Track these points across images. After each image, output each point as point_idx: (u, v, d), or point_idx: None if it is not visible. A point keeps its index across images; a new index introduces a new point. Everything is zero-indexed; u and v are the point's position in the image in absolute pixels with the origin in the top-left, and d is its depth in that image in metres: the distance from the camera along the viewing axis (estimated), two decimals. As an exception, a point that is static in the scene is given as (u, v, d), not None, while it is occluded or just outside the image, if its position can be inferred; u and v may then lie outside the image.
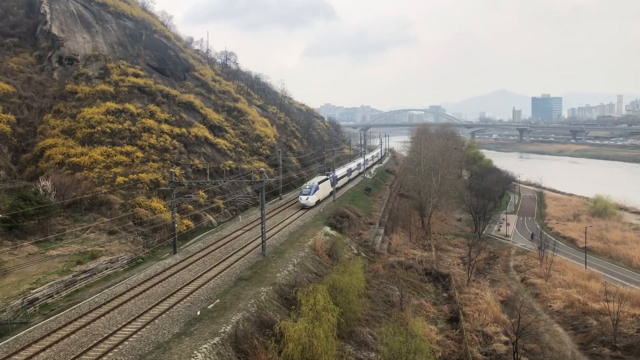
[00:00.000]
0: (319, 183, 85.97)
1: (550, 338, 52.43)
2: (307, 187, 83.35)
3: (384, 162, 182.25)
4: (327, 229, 69.40)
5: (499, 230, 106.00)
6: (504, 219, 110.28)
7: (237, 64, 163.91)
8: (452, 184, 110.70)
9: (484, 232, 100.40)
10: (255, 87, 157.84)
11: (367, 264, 63.14)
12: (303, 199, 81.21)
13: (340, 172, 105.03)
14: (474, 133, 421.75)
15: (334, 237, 66.91)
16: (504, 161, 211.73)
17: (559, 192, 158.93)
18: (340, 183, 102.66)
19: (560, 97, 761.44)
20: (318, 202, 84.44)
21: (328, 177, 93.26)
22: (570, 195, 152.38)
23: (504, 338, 49.85)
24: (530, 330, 47.61)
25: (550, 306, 61.95)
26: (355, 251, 67.19)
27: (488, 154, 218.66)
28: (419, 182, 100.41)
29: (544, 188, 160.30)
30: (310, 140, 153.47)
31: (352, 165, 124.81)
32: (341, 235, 69.59)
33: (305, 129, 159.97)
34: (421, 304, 56.52)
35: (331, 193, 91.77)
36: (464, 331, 49.91)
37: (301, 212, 79.33)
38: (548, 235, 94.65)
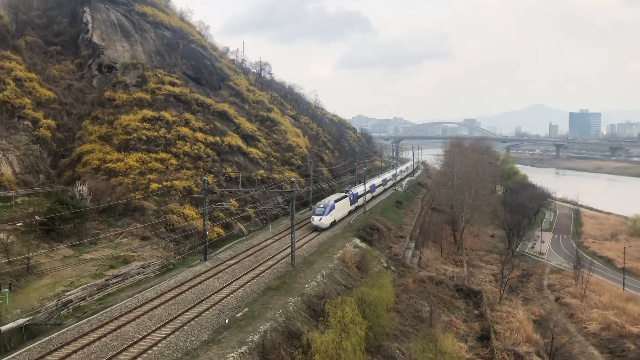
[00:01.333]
0: (336, 201, 76.95)
1: (585, 361, 50.86)
2: (322, 205, 73.87)
3: (416, 175, 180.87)
4: (357, 241, 69.02)
5: (533, 247, 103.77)
6: (538, 237, 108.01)
7: (271, 74, 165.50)
8: (485, 199, 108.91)
9: (517, 249, 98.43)
10: (289, 98, 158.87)
11: (396, 278, 62.45)
12: (316, 220, 71.69)
13: (361, 188, 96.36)
14: (509, 148, 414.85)
15: (363, 249, 66.49)
16: (540, 177, 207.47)
17: (596, 210, 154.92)
18: (364, 199, 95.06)
19: (599, 113, 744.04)
20: (334, 224, 75.89)
21: (347, 194, 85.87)
22: (608, 213, 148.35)
23: (536, 358, 48.61)
24: (564, 352, 46.28)
25: (586, 327, 60.15)
26: (385, 264, 66.58)
27: (523, 170, 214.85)
28: (452, 196, 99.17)
29: (581, 206, 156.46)
30: (342, 152, 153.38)
31: (378, 180, 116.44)
32: (371, 247, 69.14)
33: (336, 140, 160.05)
34: (451, 321, 55.55)
35: (350, 213, 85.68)
36: (495, 350, 48.78)
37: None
38: (584, 255, 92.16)
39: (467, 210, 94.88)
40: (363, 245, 68.56)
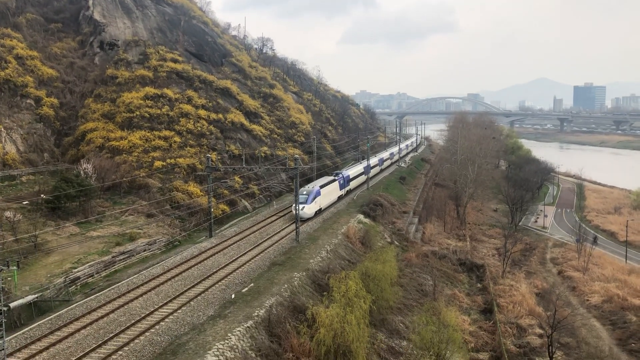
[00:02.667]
0: (322, 187, 68.52)
1: (587, 333, 51.38)
2: (304, 192, 64.06)
3: (420, 150, 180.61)
4: (361, 217, 69.35)
5: (536, 221, 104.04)
6: (541, 211, 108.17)
7: (273, 50, 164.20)
8: (489, 173, 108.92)
9: (520, 224, 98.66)
10: (291, 74, 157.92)
11: (400, 253, 62.92)
12: (298, 209, 59.78)
13: (356, 169, 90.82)
14: (513, 122, 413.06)
15: (367, 225, 66.85)
16: (543, 151, 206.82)
17: (599, 184, 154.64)
18: (359, 181, 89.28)
19: (603, 86, 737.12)
20: (319, 212, 67.69)
21: (336, 178, 77.27)
22: (612, 187, 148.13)
23: (538, 331, 49.11)
24: (566, 324, 46.68)
25: (588, 300, 60.65)
26: (389, 239, 67.01)
27: (527, 144, 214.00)
28: (455, 172, 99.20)
29: (584, 180, 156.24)
30: (345, 128, 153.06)
31: (374, 160, 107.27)
32: (374, 223, 69.49)
33: (340, 116, 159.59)
34: (454, 294, 56.10)
35: (340, 198, 78.23)
36: (498, 323, 49.36)
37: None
38: (587, 228, 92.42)
39: (471, 185, 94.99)
40: (367, 220, 68.90)
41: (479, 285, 61.74)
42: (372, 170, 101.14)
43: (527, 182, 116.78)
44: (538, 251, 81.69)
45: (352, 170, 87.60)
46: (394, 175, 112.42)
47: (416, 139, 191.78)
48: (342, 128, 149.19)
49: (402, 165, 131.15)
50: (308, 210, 63.12)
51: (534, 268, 72.93)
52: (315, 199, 64.65)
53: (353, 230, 60.60)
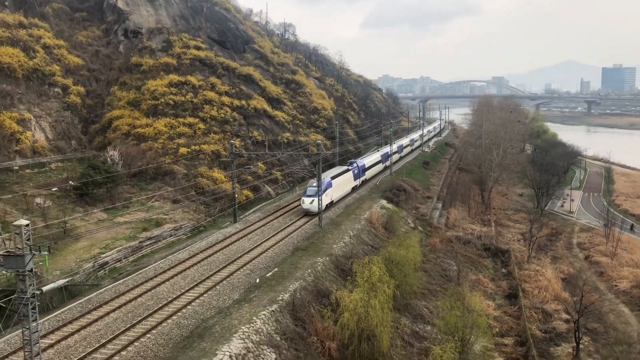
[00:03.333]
0: (333, 178, 63.58)
1: (615, 318, 50.71)
2: (314, 184, 58.51)
3: (443, 135, 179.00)
4: (384, 202, 69.23)
5: (562, 206, 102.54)
6: (568, 195, 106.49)
7: (295, 35, 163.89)
8: (514, 158, 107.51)
9: (546, 208, 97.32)
10: (313, 59, 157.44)
11: (424, 238, 62.78)
12: (306, 203, 57.86)
13: (373, 157, 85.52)
14: (539, 105, 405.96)
15: (390, 210, 66.74)
16: (570, 135, 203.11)
17: (628, 167, 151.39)
18: (376, 170, 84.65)
19: (633, 68, 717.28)
20: (331, 205, 63.29)
21: (350, 168, 71.93)
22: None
23: (564, 316, 48.64)
24: (594, 310, 46.10)
25: (616, 286, 59.70)
26: (412, 225, 66.85)
27: (553, 127, 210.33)
28: (480, 156, 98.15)
29: (612, 163, 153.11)
30: (368, 113, 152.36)
31: (395, 146, 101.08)
32: (398, 208, 69.33)
33: (362, 101, 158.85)
34: (479, 279, 55.85)
35: (354, 189, 73.20)
36: (523, 308, 49.07)
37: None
38: (615, 213, 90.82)
39: (496, 169, 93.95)
40: (390, 206, 68.77)
41: (503, 270, 61.32)
42: (391, 158, 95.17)
43: (553, 166, 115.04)
44: (564, 236, 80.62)
45: (368, 159, 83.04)
46: (417, 160, 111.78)
47: (440, 124, 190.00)
48: (364, 113, 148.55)
49: (426, 150, 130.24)
50: (315, 204, 55.98)
51: (560, 253, 72.03)
52: (327, 192, 59.44)
53: (376, 216, 60.57)
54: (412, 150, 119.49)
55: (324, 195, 56.83)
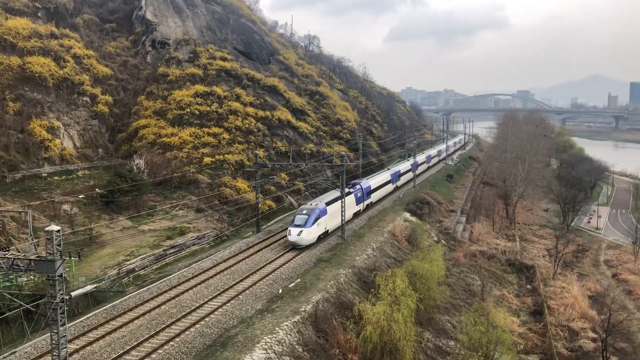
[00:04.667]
0: (329, 203, 54.02)
1: (643, 338, 49.51)
2: (304, 211, 50.89)
3: (467, 148, 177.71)
4: (407, 215, 68.85)
5: (589, 222, 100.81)
6: (594, 211, 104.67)
7: (319, 47, 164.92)
8: (539, 172, 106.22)
9: (572, 224, 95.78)
10: (337, 71, 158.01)
11: (447, 252, 62.19)
12: (293, 234, 48.70)
13: (381, 177, 76.86)
14: (565, 120, 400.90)
15: (413, 223, 66.34)
16: (597, 150, 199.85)
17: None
18: (384, 191, 76.64)
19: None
20: (325, 235, 53.49)
21: (351, 190, 61.95)
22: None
23: (592, 335, 47.65)
24: (622, 329, 45.17)
25: (645, 305, 58.38)
26: (436, 238, 66.31)
27: (579, 142, 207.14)
28: (505, 170, 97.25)
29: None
30: (391, 125, 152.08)
31: (408, 163, 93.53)
32: (421, 221, 68.88)
33: (386, 113, 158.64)
34: (503, 295, 55.06)
35: (356, 215, 63.62)
36: (548, 325, 48.18)
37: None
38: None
39: (521, 184, 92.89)
40: (413, 219, 68.36)
41: (528, 286, 60.36)
42: (402, 178, 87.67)
43: (579, 182, 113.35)
44: (591, 253, 79.17)
45: (375, 180, 73.65)
46: (441, 173, 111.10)
47: (464, 137, 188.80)
48: (387, 125, 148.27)
49: (450, 163, 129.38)
50: (306, 235, 48.71)
51: (586, 270, 70.70)
52: (318, 220, 50.41)
53: (399, 229, 60.23)
54: (428, 168, 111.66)
55: (315, 225, 49.54)
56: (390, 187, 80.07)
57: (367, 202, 67.61)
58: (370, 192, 68.91)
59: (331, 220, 53.90)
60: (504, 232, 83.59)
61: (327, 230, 53.59)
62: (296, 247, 48.89)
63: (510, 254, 68.62)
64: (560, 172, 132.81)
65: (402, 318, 33.30)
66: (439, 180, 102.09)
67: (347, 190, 58.92)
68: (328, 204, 53.71)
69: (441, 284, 47.88)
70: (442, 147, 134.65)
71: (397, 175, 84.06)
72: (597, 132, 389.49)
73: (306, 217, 49.48)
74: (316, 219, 49.87)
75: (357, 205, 62.97)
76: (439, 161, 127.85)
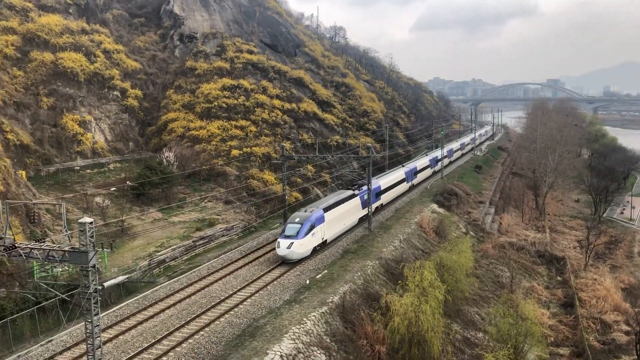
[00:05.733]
0: (328, 209, 48.01)
1: (678, 331, 48.39)
2: (297, 219, 44.78)
3: (496, 138, 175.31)
4: (434, 206, 68.43)
5: (622, 213, 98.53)
6: (628, 202, 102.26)
7: (345, 39, 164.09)
8: (570, 162, 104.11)
9: (604, 215, 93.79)
10: (363, 62, 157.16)
11: (475, 243, 61.64)
12: (282, 246, 42.61)
13: (394, 176, 70.23)
14: (597, 109, 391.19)
15: (441, 214, 65.92)
16: (631, 139, 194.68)
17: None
18: (397, 191, 70.21)
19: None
20: (323, 246, 47.39)
21: (356, 193, 55.50)
22: None
23: (625, 328, 46.79)
24: (657, 322, 44.17)
25: (680, 297, 56.94)
26: (464, 230, 65.78)
27: (612, 131, 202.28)
28: (534, 160, 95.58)
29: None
30: (418, 116, 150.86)
31: (427, 158, 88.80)
32: (449, 213, 68.39)
33: (412, 103, 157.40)
34: (532, 287, 54.37)
35: (362, 220, 55.93)
36: (580, 317, 47.45)
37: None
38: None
39: (551, 174, 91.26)
40: (441, 210, 67.92)
41: (559, 278, 59.47)
42: (419, 175, 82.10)
43: (612, 172, 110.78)
44: (624, 244, 77.44)
45: (387, 179, 66.86)
46: (469, 164, 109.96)
47: (492, 127, 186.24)
48: (414, 116, 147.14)
49: (478, 153, 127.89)
50: (298, 248, 42.63)
51: (619, 262, 69.23)
52: (314, 230, 44.49)
53: (427, 220, 59.93)
54: (449, 163, 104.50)
55: (309, 236, 43.73)
56: (404, 186, 73.56)
57: (376, 204, 60.04)
58: (379, 193, 61.75)
59: (331, 228, 48.08)
60: (533, 223, 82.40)
61: (325, 240, 47.48)
62: (286, 262, 42.93)
63: (540, 245, 67.69)
64: (592, 162, 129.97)
65: (430, 309, 33.25)
66: (467, 171, 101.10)
67: (350, 192, 54.91)
68: (327, 209, 47.70)
69: (469, 276, 47.55)
70: (466, 139, 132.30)
71: (413, 173, 78.21)
72: (631, 120, 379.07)
73: (298, 226, 43.58)
74: (310, 229, 44.01)
75: (362, 209, 55.85)
76: (462, 155, 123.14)
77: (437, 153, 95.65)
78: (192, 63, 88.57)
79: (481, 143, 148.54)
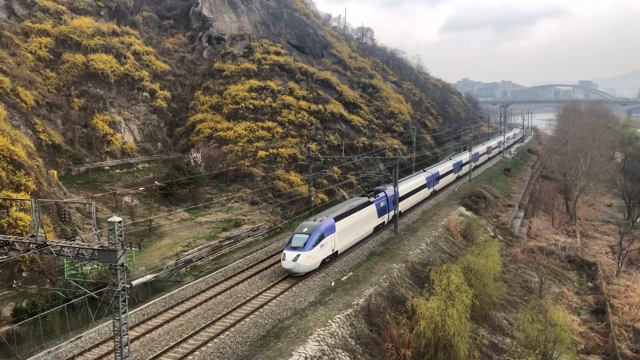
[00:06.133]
0: (340, 217, 44.73)
1: None
2: (305, 229, 41.42)
3: (526, 141, 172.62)
4: (462, 209, 67.62)
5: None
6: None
7: (373, 40, 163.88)
8: (602, 166, 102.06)
9: (638, 220, 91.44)
10: (391, 63, 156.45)
11: (504, 248, 60.70)
12: (288, 259, 39.25)
13: (414, 182, 66.15)
14: (631, 111, 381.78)
15: (469, 217, 65.08)
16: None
17: None
18: (417, 197, 66.36)
19: None
20: (335, 257, 44.30)
21: (372, 200, 52.16)
22: None
23: (659, 337, 45.47)
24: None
25: None
26: (492, 233, 64.84)
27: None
28: (565, 164, 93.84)
29: None
30: (446, 117, 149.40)
31: (451, 163, 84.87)
32: (477, 216, 67.50)
33: (440, 105, 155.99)
34: (562, 293, 53.26)
35: (377, 229, 53.30)
36: (611, 324, 46.28)
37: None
38: None
39: (582, 178, 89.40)
40: (468, 213, 67.07)
41: (589, 284, 58.14)
42: (442, 181, 77.99)
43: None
44: (659, 250, 75.31)
45: (406, 185, 62.17)
46: (498, 167, 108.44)
47: (522, 129, 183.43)
48: (442, 118, 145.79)
49: (507, 156, 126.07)
50: (305, 260, 39.28)
51: (653, 268, 67.35)
52: (323, 241, 41.15)
53: (454, 223, 59.24)
54: (475, 167, 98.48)
55: (317, 247, 40.29)
56: (425, 192, 69.97)
57: (392, 212, 55.74)
58: (397, 200, 55.91)
59: (342, 238, 44.79)
60: (563, 227, 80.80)
61: (337, 252, 44.26)
62: (292, 275, 40.02)
63: (570, 250, 66.31)
64: (625, 165, 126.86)
65: (457, 314, 32.81)
66: (495, 174, 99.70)
67: (365, 199, 51.67)
68: (338, 218, 44.41)
69: (497, 280, 46.82)
70: (494, 142, 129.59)
71: (435, 178, 74.63)
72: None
73: (306, 237, 40.29)
74: (319, 240, 40.63)
75: (378, 217, 52.93)
76: (489, 158, 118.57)
77: (461, 157, 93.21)
78: (220, 64, 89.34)
79: (510, 146, 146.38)
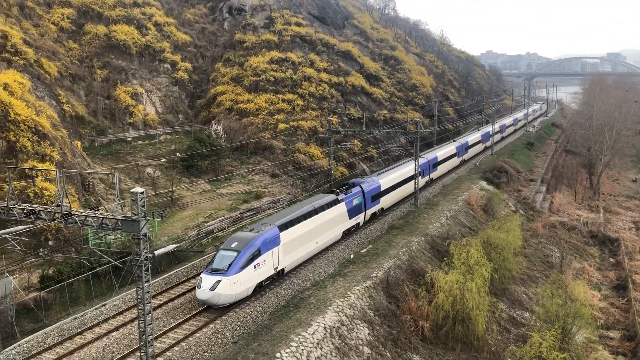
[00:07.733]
0: (287, 225, 34.84)
1: None
2: (234, 243, 31.61)
3: (550, 114, 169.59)
4: (483, 183, 67.10)
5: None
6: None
7: (395, 10, 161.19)
8: (628, 140, 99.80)
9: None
10: (413, 35, 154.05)
11: (525, 222, 60.27)
12: (204, 286, 29.43)
13: (399, 173, 54.22)
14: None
15: (490, 192, 64.62)
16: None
17: None
18: (402, 191, 54.41)
19: None
20: (279, 275, 34.45)
21: (340, 198, 41.96)
22: None
23: (681, 313, 44.98)
24: None
25: None
26: (513, 208, 64.35)
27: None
28: (590, 138, 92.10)
29: None
30: (469, 90, 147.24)
31: (452, 146, 72.73)
32: (498, 190, 66.97)
33: (463, 78, 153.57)
34: (583, 268, 52.89)
35: (350, 231, 44.11)
36: (633, 300, 45.91)
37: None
38: None
39: (607, 152, 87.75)
40: (490, 187, 66.57)
41: (611, 260, 57.58)
42: (440, 167, 66.80)
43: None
44: (684, 227, 74.11)
45: (391, 176, 52.37)
46: (520, 141, 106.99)
47: (547, 102, 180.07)
48: (465, 90, 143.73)
49: (530, 130, 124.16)
50: (228, 289, 29.43)
51: (678, 245, 66.38)
52: (258, 259, 31.32)
53: (475, 197, 58.89)
54: (484, 149, 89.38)
55: (249, 268, 30.61)
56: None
57: (372, 210, 47.66)
58: (377, 195, 48.18)
59: (291, 252, 34.89)
60: (586, 202, 79.77)
61: (282, 270, 34.51)
62: (210, 307, 29.98)
63: (592, 225, 65.60)
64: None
65: (476, 287, 32.91)
66: (518, 148, 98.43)
67: (333, 197, 41.62)
68: (286, 226, 34.61)
69: (517, 255, 46.72)
70: (518, 115, 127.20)
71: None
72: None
73: (234, 254, 30.57)
74: (252, 258, 30.85)
75: (351, 218, 43.53)
76: (515, 131, 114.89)
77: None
78: (241, 36, 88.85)
79: (534, 119, 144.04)
